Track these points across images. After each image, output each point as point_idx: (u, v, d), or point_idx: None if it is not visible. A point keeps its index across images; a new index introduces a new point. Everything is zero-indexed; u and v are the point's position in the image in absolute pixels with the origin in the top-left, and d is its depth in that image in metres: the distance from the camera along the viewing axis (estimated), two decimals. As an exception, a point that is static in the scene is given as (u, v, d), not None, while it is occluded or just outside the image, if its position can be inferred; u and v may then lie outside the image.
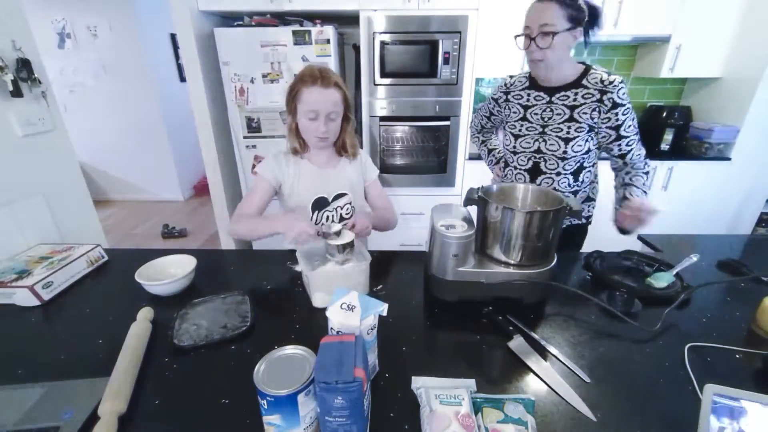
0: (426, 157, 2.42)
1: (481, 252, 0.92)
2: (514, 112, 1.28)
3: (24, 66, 1.24)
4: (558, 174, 1.22)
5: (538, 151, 1.23)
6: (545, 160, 1.22)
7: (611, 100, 1.11)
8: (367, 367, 0.57)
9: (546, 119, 1.20)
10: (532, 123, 1.23)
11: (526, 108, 1.24)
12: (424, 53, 2.18)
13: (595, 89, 1.12)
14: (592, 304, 0.90)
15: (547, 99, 1.19)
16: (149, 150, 3.98)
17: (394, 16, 2.12)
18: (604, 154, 1.25)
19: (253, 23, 2.16)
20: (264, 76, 2.18)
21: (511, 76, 1.32)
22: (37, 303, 0.92)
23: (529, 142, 1.24)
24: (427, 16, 2.11)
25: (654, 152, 2.48)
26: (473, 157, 2.43)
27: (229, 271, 1.13)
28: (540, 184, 1.23)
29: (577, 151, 1.17)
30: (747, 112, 2.28)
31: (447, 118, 2.31)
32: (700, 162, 2.39)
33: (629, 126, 1.14)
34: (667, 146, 2.49)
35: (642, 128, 2.74)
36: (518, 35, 1.13)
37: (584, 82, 1.14)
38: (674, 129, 2.47)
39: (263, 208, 1.14)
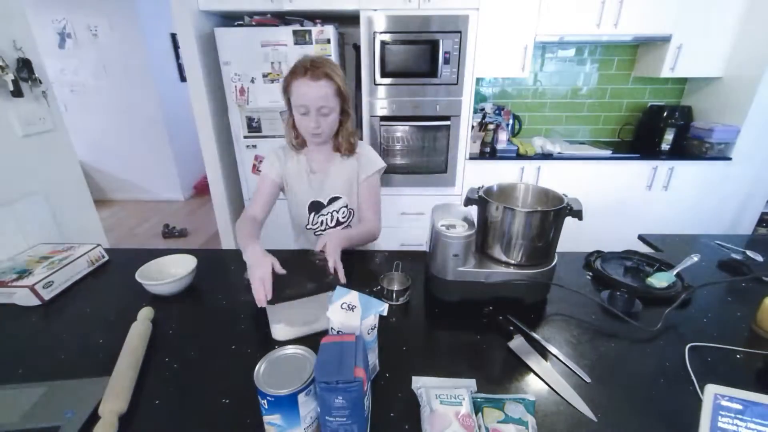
0: (426, 157, 2.41)
1: (481, 252, 0.92)
2: None
3: (25, 66, 1.24)
4: None
5: None
6: None
7: None
8: (368, 367, 0.57)
9: None
10: None
11: None
12: (424, 53, 2.18)
13: None
14: (593, 304, 0.90)
15: None
16: (150, 150, 3.98)
17: (395, 16, 2.12)
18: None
19: (254, 23, 2.16)
20: (264, 75, 2.18)
21: None
22: (38, 303, 0.92)
23: None
24: (427, 16, 2.11)
25: (654, 152, 2.48)
26: (473, 157, 2.43)
27: (230, 270, 1.13)
28: None
29: None
30: (748, 112, 2.27)
31: (447, 118, 2.31)
32: (701, 162, 2.39)
33: None
34: (668, 146, 2.49)
35: (642, 128, 2.75)
36: None
37: None
38: (675, 129, 2.47)
39: (269, 207, 1.15)
